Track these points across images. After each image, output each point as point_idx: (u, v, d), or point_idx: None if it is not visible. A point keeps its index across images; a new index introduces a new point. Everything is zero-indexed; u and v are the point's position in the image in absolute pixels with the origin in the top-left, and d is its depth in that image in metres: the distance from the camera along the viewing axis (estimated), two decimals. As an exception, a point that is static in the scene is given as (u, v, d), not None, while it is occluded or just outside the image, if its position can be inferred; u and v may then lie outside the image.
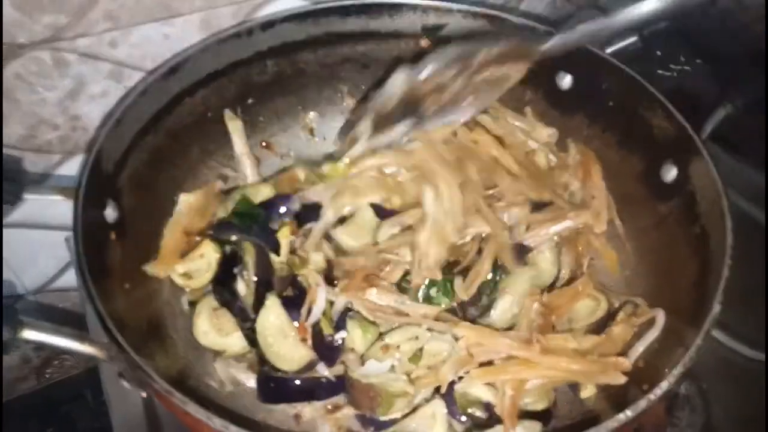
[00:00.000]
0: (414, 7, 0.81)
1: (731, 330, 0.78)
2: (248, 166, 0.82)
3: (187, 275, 0.71)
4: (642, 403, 0.48)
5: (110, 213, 0.63)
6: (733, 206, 0.67)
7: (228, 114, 0.80)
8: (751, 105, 0.67)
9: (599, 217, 0.71)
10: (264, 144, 0.86)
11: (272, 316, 0.63)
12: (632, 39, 0.79)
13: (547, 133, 0.81)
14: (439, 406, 0.61)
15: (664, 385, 0.47)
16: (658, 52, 1.02)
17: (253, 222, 0.72)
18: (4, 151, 0.75)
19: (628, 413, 0.47)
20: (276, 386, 0.63)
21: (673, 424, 0.71)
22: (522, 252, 0.71)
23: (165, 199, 0.75)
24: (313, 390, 0.64)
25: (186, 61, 0.73)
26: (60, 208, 0.84)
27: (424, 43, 0.84)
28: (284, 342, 0.63)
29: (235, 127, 0.81)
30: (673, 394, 0.72)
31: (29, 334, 0.48)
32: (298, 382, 0.63)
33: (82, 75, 0.76)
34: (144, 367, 0.45)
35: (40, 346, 1.01)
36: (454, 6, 0.81)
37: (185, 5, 0.77)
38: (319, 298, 0.63)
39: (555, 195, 0.72)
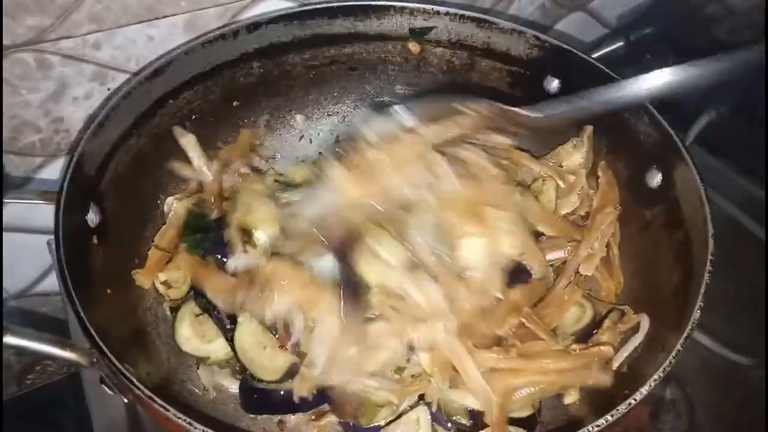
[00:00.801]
0: (401, 10, 0.81)
1: (716, 335, 0.79)
2: (209, 175, 0.78)
3: (167, 284, 0.71)
4: (622, 408, 0.48)
5: (92, 217, 0.63)
6: (717, 209, 0.68)
7: (178, 130, 0.76)
8: (735, 110, 0.68)
9: (591, 260, 0.69)
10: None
11: (246, 334, 0.63)
12: (619, 44, 0.79)
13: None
14: (423, 413, 0.61)
15: (644, 390, 0.48)
16: (648, 56, 1.03)
17: (205, 235, 0.71)
18: (5, 134, 0.75)
19: (609, 417, 0.47)
20: (259, 398, 0.63)
21: (658, 429, 0.71)
22: (519, 275, 0.68)
23: (148, 202, 0.75)
24: (296, 402, 0.63)
25: (170, 64, 0.72)
26: (42, 212, 0.83)
27: (411, 45, 0.84)
28: (263, 353, 0.62)
29: (188, 141, 0.77)
30: (658, 398, 0.72)
31: (10, 340, 0.47)
32: (281, 392, 0.62)
33: (65, 77, 0.76)
34: (125, 374, 0.45)
35: (21, 352, 1.01)
36: (442, 9, 0.81)
37: (170, 7, 0.77)
38: (297, 322, 0.62)
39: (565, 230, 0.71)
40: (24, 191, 0.61)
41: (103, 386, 0.50)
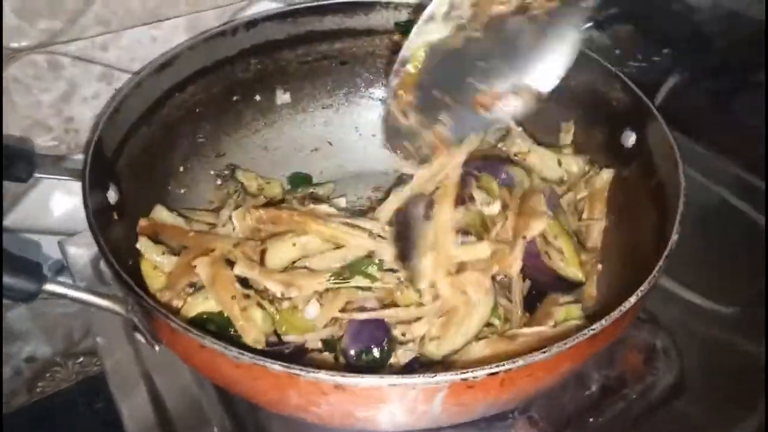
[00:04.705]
0: (386, 5, 0.87)
1: (700, 290, 0.84)
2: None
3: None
4: (597, 326, 0.48)
5: (112, 195, 0.66)
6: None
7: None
8: (695, 75, 0.75)
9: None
10: (250, 138, 0.89)
11: None
12: (588, 24, 0.86)
13: (577, 165, 0.79)
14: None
15: (631, 300, 0.49)
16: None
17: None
18: (19, 126, 0.79)
19: (589, 330, 0.48)
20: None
21: (652, 374, 0.75)
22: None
23: (160, 187, 0.79)
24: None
25: (176, 58, 0.77)
26: (54, 214, 0.88)
27: (397, 38, 0.90)
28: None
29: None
30: (650, 347, 0.77)
31: (52, 287, 0.50)
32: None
33: (75, 78, 0.80)
34: (159, 309, 0.48)
35: (31, 358, 1.03)
36: (424, 2, 0.87)
37: (171, 10, 0.81)
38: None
39: None
40: (52, 168, 0.65)
41: (137, 334, 0.53)
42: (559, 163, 0.78)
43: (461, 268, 0.63)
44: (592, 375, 0.72)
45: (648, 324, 0.77)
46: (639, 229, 0.68)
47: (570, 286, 0.69)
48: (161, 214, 0.70)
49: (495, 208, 0.67)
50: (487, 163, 0.75)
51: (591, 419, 0.69)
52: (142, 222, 0.68)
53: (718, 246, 0.89)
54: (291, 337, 0.59)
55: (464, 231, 0.65)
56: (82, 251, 0.87)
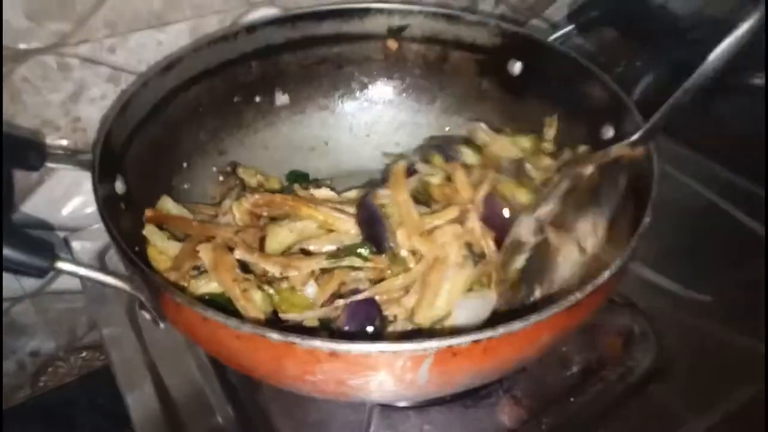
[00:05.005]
0: (380, 10, 0.91)
1: (681, 280, 0.88)
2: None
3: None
4: (572, 297, 0.51)
5: (119, 186, 0.69)
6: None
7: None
8: (670, 71, 0.79)
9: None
10: (250, 139, 0.93)
11: None
12: (571, 27, 0.91)
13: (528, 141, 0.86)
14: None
15: (605, 275, 0.52)
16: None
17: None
18: (28, 125, 0.82)
19: (566, 302, 0.50)
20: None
21: (630, 357, 0.79)
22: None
23: (164, 184, 0.81)
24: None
25: (180, 59, 0.80)
26: (59, 210, 0.91)
27: (390, 43, 0.95)
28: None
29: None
30: (629, 331, 0.81)
31: (63, 265, 0.53)
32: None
33: (84, 79, 0.83)
34: (165, 285, 0.52)
35: (35, 353, 1.05)
36: (416, 8, 0.91)
37: (176, 14, 0.85)
38: None
39: None
40: (62, 158, 0.68)
41: (142, 312, 0.57)
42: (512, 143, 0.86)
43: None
44: (573, 357, 0.75)
45: (626, 308, 0.81)
46: (619, 222, 0.71)
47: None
48: (167, 204, 0.74)
49: (436, 178, 0.77)
50: (441, 144, 0.86)
51: (572, 399, 0.72)
52: (149, 212, 0.71)
53: (695, 238, 0.94)
54: (289, 316, 0.63)
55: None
56: (87, 246, 0.90)
